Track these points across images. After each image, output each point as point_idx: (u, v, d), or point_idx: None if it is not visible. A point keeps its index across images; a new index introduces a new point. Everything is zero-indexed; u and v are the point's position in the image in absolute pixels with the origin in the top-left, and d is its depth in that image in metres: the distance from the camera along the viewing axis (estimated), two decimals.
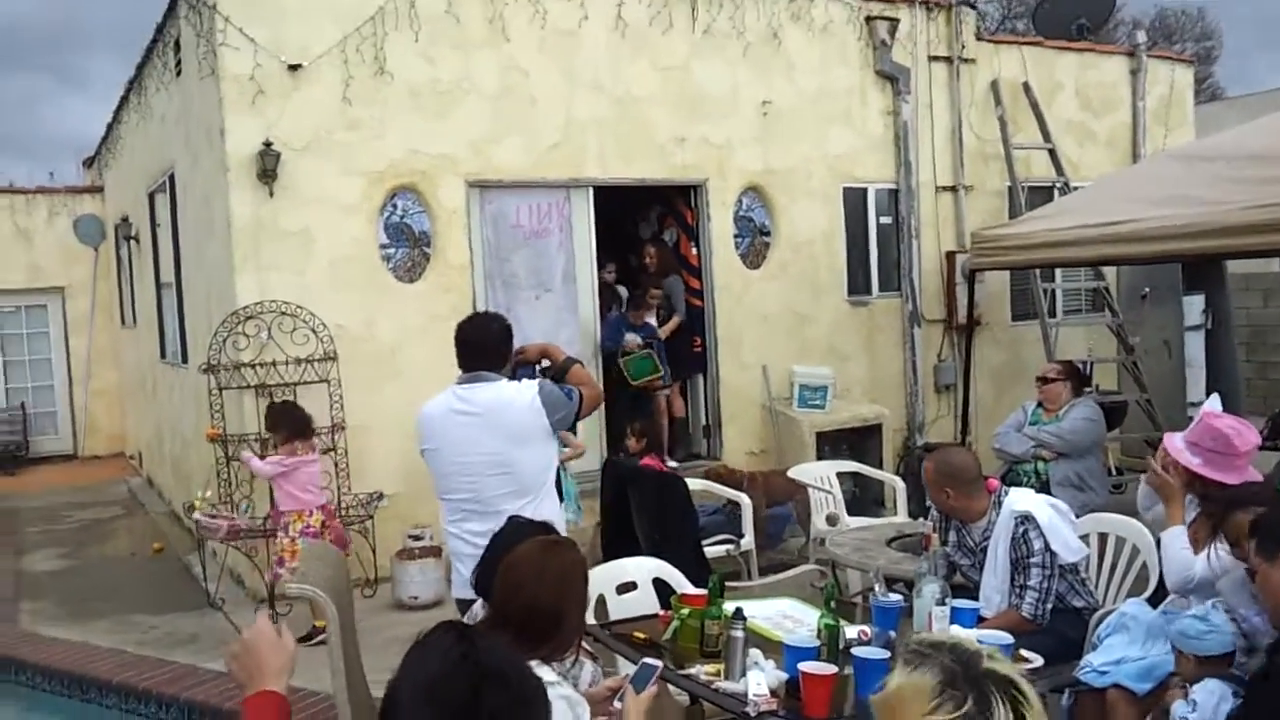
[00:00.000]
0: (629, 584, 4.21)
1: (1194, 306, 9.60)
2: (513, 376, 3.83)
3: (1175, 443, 3.64)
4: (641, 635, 3.53)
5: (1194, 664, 3.05)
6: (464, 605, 3.56)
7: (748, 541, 6.04)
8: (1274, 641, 2.63)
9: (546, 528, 2.75)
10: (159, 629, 6.27)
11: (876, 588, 3.47)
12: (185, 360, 8.72)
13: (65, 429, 13.87)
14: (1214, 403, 3.63)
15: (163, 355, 10.03)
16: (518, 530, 2.76)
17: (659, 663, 2.82)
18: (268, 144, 6.73)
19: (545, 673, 2.39)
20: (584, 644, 3.15)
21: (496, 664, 1.38)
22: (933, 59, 9.42)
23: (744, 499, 6.23)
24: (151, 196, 9.91)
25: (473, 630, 1.42)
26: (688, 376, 8.72)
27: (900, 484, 6.60)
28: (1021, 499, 3.83)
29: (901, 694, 1.56)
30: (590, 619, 3.84)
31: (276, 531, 6.07)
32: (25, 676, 5.74)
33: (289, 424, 6.10)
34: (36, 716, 5.57)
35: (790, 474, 6.85)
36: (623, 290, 8.66)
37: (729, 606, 3.32)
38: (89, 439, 13.64)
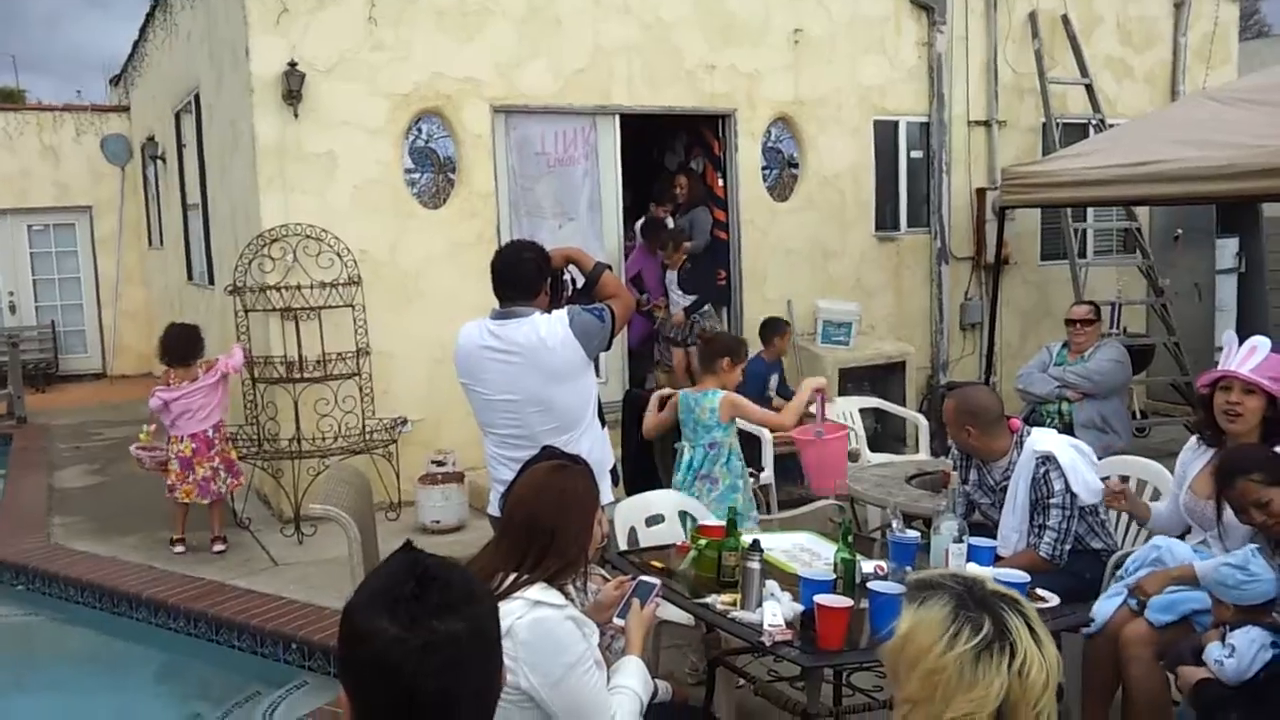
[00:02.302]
0: (657, 516, 4.24)
1: (1227, 250, 9.47)
2: (552, 293, 3.76)
3: (1247, 360, 3.56)
4: (659, 564, 3.57)
5: (1233, 610, 2.99)
6: (498, 523, 3.59)
7: (767, 475, 6.06)
8: None
9: (576, 460, 2.76)
10: (186, 546, 6.38)
11: (894, 523, 3.48)
12: (212, 282, 8.77)
13: (94, 348, 14.03)
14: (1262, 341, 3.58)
15: (190, 276, 10.08)
16: (548, 459, 2.78)
17: (657, 580, 2.86)
18: (292, 64, 6.67)
19: (551, 595, 2.43)
20: (603, 573, 3.20)
21: (439, 566, 1.49)
22: None
23: (764, 433, 6.23)
24: (177, 116, 9.88)
25: (422, 550, 1.52)
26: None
27: (924, 421, 6.58)
28: (1043, 439, 3.81)
29: (915, 633, 1.55)
30: (624, 548, 3.89)
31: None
32: (57, 588, 5.90)
33: (162, 350, 6.25)
34: (68, 628, 5.74)
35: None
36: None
37: (746, 538, 3.34)
38: (118, 358, 13.80)
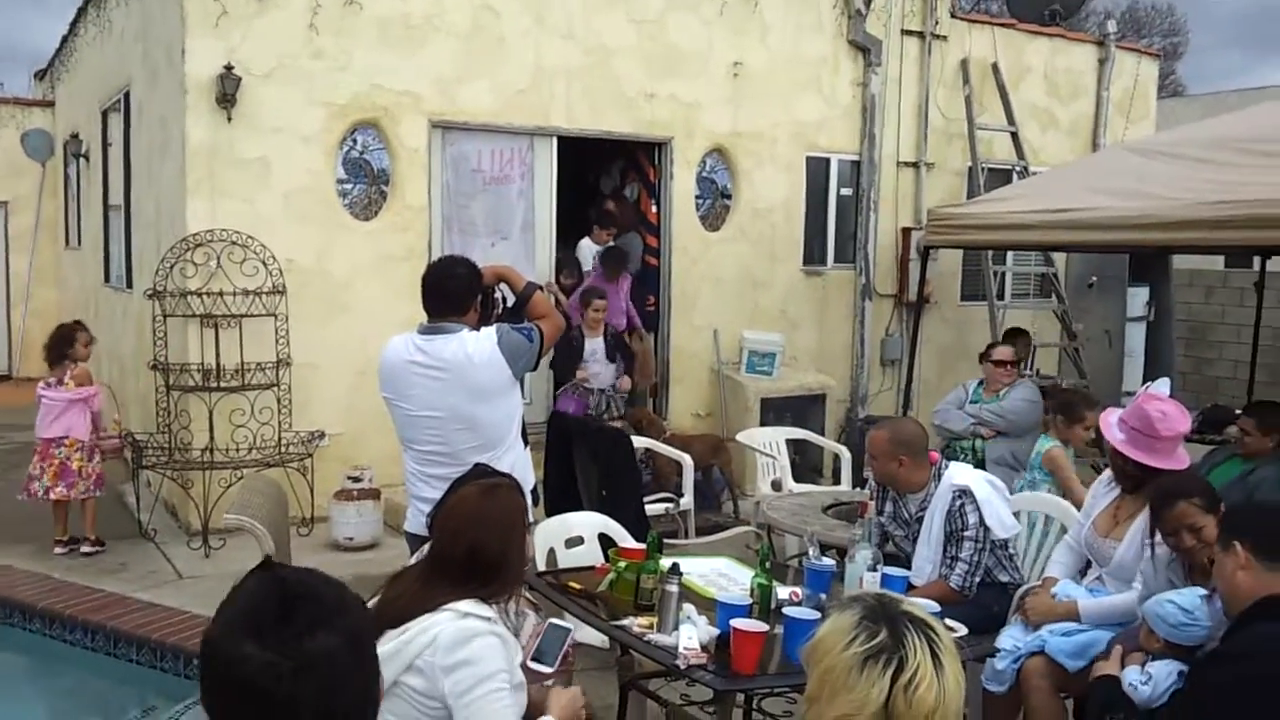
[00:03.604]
0: (577, 538, 4.22)
1: (1138, 298, 9.83)
2: (482, 310, 3.74)
3: (1108, 417, 3.70)
4: (577, 585, 3.56)
5: (1163, 644, 3.04)
6: (416, 541, 3.54)
7: (687, 501, 6.10)
8: (1229, 627, 2.69)
9: (507, 477, 2.73)
10: (87, 557, 6.18)
11: (810, 551, 3.52)
12: (130, 285, 8.54)
13: (0, 349, 13.54)
14: (1161, 385, 3.69)
15: (106, 279, 9.81)
16: (479, 478, 2.74)
17: (570, 626, 2.82)
18: (229, 68, 6.58)
19: (481, 609, 2.40)
20: (527, 594, 3.17)
21: (303, 580, 1.38)
22: (905, 33, 9.43)
23: (686, 459, 6.27)
24: (105, 114, 9.64)
25: (277, 562, 1.42)
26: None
27: (846, 453, 6.69)
28: (961, 473, 3.89)
29: (823, 635, 1.63)
30: (542, 569, 3.86)
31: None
32: None
33: (46, 349, 6.39)
34: None
35: (739, 438, 6.93)
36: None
37: (665, 562, 3.35)
38: (25, 360, 13.30)
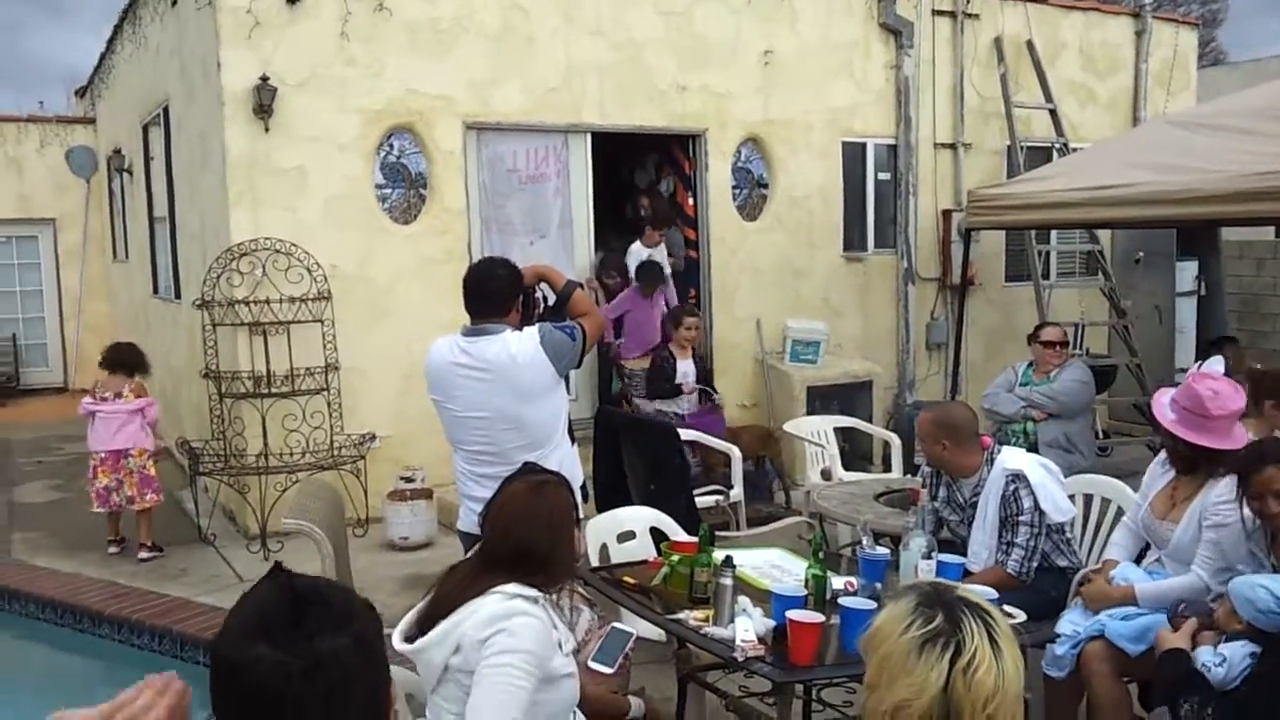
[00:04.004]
0: (628, 533, 4.25)
1: (1187, 273, 9.66)
2: (524, 310, 3.77)
3: (1161, 397, 3.65)
4: (631, 580, 3.58)
5: (1246, 627, 2.98)
6: (469, 540, 3.58)
7: (737, 492, 6.09)
8: None
9: (556, 475, 2.76)
10: (150, 563, 6.31)
11: (864, 540, 3.52)
12: (178, 296, 8.69)
13: (56, 361, 13.82)
14: (1214, 364, 3.64)
15: (155, 290, 9.98)
16: (528, 476, 2.77)
17: (633, 631, 2.84)
18: (264, 79, 6.66)
19: (528, 591, 2.44)
20: (580, 590, 3.20)
21: (312, 586, 1.41)
22: (937, 13, 9.33)
23: (734, 451, 6.27)
24: (145, 129, 9.80)
25: (291, 571, 1.44)
26: None
27: (896, 440, 6.65)
28: (1014, 457, 3.87)
29: (880, 623, 1.64)
30: (595, 564, 3.89)
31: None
32: (19, 605, 5.79)
33: (104, 357, 6.59)
34: (29, 644, 5.64)
35: (787, 427, 6.91)
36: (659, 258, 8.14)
37: (718, 555, 3.36)
38: (80, 372, 13.58)
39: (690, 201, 8.59)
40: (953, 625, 1.57)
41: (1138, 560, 3.73)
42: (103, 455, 6.37)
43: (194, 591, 5.69)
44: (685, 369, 7.09)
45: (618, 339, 7.77)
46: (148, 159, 9.91)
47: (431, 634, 2.39)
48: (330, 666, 1.32)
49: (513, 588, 2.41)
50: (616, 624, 2.88)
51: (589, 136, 7.91)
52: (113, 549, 6.49)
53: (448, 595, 2.48)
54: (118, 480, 6.39)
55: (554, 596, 2.66)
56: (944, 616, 1.58)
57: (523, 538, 2.52)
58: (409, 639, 2.46)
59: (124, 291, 12.48)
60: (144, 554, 6.40)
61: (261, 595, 1.39)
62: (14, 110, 14.16)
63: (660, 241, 8.23)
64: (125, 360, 6.55)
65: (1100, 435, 8.58)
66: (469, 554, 3.11)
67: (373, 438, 6.76)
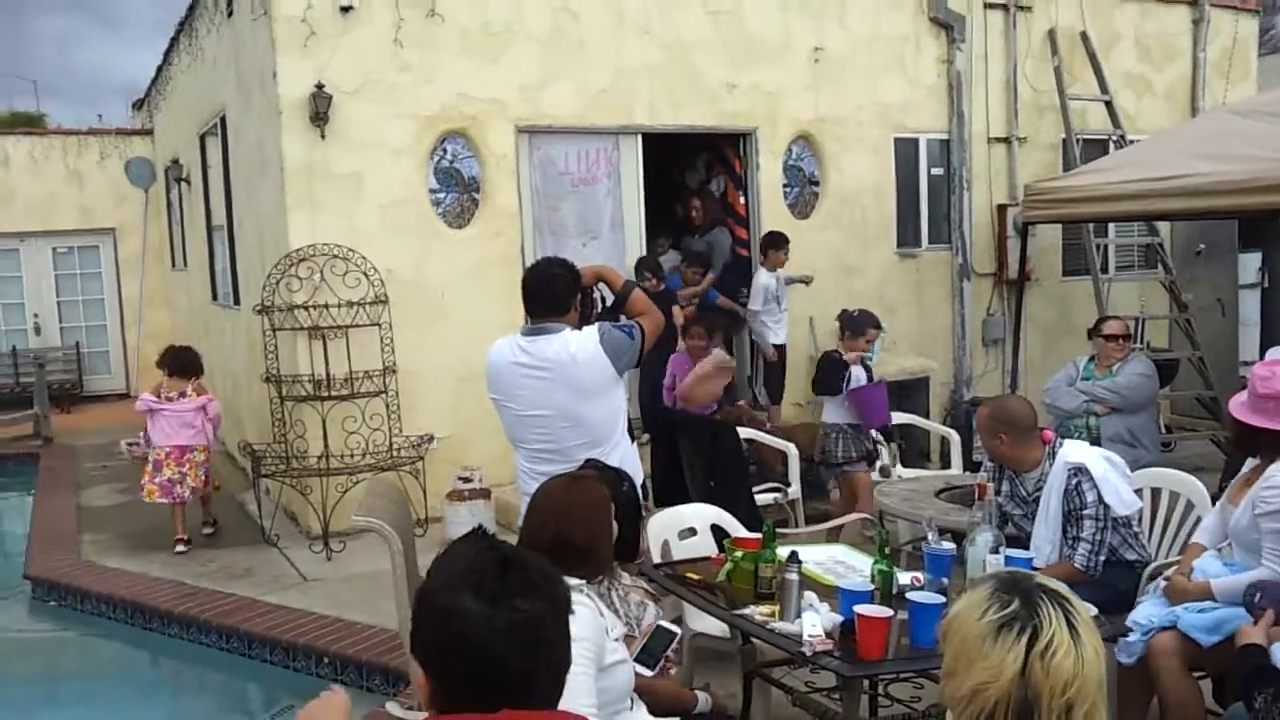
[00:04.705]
0: (689, 530, 4.26)
1: (1249, 264, 9.45)
2: (582, 310, 3.79)
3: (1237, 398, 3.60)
4: (695, 576, 3.58)
5: None
6: None
7: (794, 490, 6.08)
8: None
9: (619, 474, 2.78)
10: (215, 563, 6.44)
11: (930, 536, 3.49)
12: (237, 302, 8.84)
13: (118, 368, 14.15)
14: (1277, 351, 3.58)
15: (214, 297, 10.17)
16: (588, 468, 2.79)
17: (678, 630, 2.84)
18: (319, 86, 6.76)
19: (572, 580, 2.44)
20: (645, 586, 3.21)
21: (515, 551, 1.55)
22: (988, 6, 9.24)
23: (791, 448, 6.25)
24: (202, 139, 9.99)
25: (494, 535, 1.58)
26: (736, 330, 8.67)
27: (955, 436, 6.58)
28: (1075, 451, 3.82)
29: (958, 610, 1.66)
30: (657, 561, 3.90)
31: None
32: (90, 604, 5.94)
33: (166, 361, 6.98)
34: (100, 643, 5.78)
35: None
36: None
37: (782, 551, 3.36)
38: (141, 379, 13.87)
39: (742, 200, 8.57)
40: (1029, 610, 1.58)
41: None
42: (168, 450, 6.74)
43: (259, 591, 5.79)
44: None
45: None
46: (205, 168, 10.09)
47: None
48: (529, 626, 1.45)
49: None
50: (662, 623, 2.88)
51: (639, 138, 7.92)
52: (180, 548, 6.66)
53: None
54: (181, 474, 6.72)
55: (603, 585, 2.68)
56: (1021, 602, 1.59)
57: (558, 531, 2.56)
58: None
59: (183, 299, 12.73)
60: (206, 530, 7.03)
61: (469, 552, 1.53)
62: (74, 124, 14.48)
63: (784, 262, 8.00)
64: (187, 363, 6.95)
65: (1164, 430, 8.43)
66: None
67: (431, 439, 6.83)
